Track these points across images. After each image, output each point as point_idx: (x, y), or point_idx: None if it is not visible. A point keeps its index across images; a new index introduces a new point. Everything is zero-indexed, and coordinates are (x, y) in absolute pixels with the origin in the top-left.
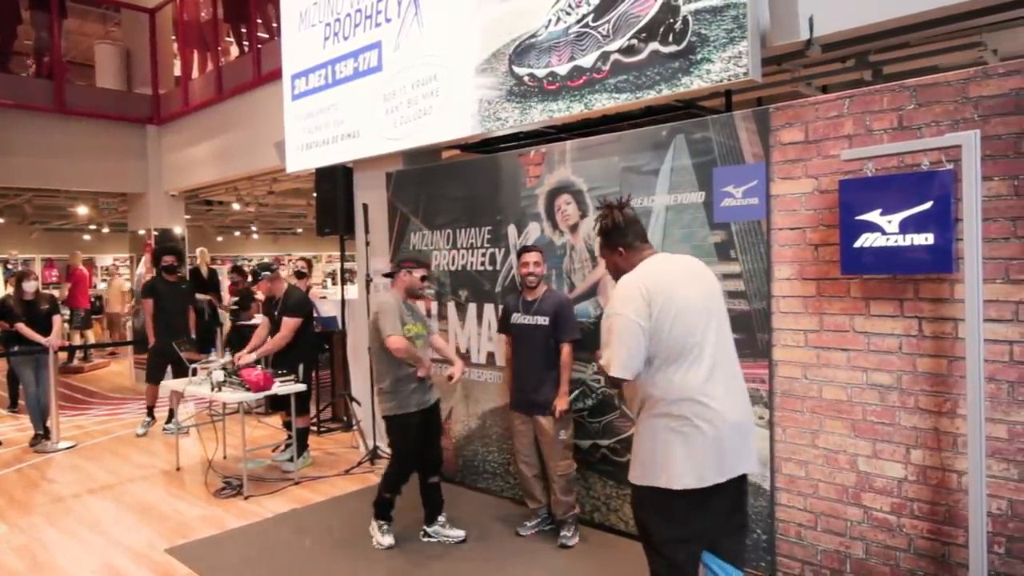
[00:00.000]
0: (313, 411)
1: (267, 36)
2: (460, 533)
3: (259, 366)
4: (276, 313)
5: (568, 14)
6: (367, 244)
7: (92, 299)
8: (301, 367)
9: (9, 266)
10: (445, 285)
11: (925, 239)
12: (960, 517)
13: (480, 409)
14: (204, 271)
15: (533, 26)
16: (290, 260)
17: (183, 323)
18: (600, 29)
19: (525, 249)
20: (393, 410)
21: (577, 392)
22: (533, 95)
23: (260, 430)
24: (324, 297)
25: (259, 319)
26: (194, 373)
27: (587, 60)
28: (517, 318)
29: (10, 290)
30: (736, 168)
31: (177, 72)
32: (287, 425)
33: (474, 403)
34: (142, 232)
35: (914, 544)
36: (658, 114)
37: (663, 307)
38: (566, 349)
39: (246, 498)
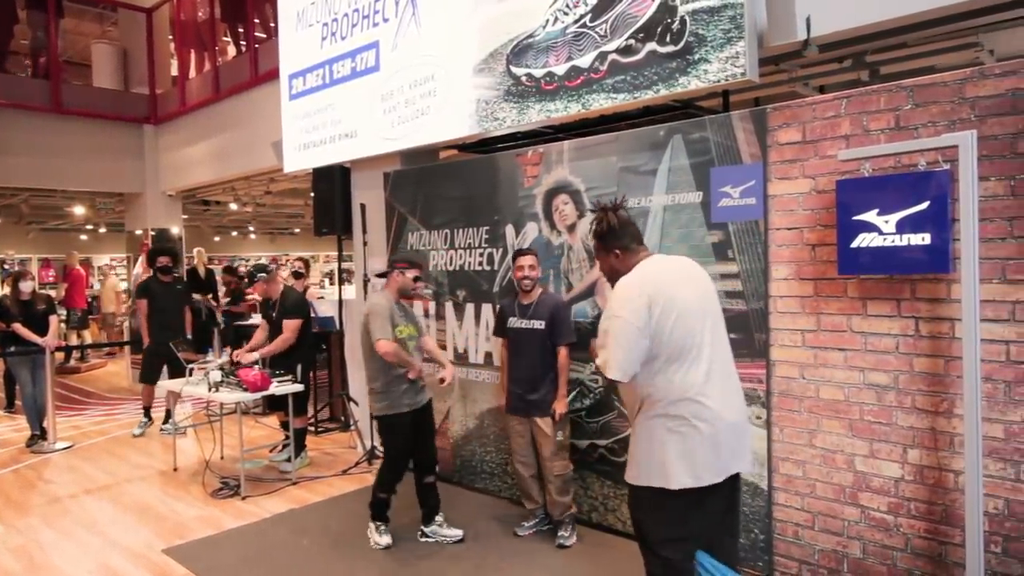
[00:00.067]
0: (311, 411)
1: (264, 36)
2: (458, 533)
3: (257, 366)
4: (274, 315)
5: (566, 14)
6: (364, 244)
7: (88, 299)
8: (299, 367)
9: (6, 266)
10: (443, 285)
11: (922, 239)
12: (957, 516)
13: (478, 409)
14: (201, 271)
15: (531, 26)
16: (287, 260)
17: (179, 323)
18: (598, 29)
19: (520, 252)
20: (384, 410)
21: (575, 392)
22: (531, 95)
23: (257, 430)
24: (322, 297)
25: (257, 319)
26: (190, 373)
27: (585, 60)
28: (513, 322)
29: (6, 290)
30: (733, 168)
31: (174, 72)
32: (284, 425)
33: (472, 403)
34: (139, 232)
35: (911, 543)
36: (656, 114)
37: (665, 309)
38: (563, 352)
39: (243, 498)
